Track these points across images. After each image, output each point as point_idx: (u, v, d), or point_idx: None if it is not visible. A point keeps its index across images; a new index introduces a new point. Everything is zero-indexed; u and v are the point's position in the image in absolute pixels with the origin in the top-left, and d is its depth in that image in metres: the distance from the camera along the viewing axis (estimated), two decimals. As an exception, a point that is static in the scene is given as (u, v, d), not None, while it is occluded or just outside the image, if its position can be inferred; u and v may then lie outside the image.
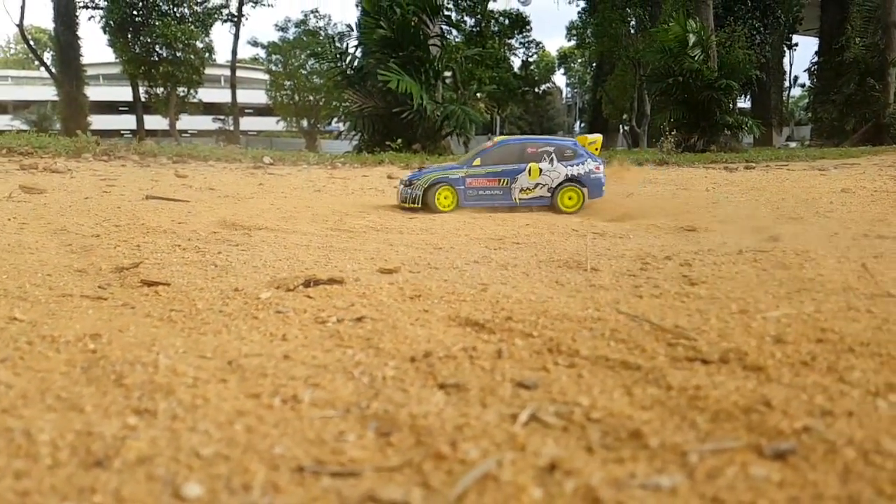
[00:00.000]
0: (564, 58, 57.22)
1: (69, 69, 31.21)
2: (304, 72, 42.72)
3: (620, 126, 45.91)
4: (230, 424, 1.54)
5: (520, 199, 8.21)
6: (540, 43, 51.22)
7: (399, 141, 20.99)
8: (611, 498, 1.18)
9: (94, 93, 36.73)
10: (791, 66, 47.26)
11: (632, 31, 38.65)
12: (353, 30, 26.99)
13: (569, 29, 48.61)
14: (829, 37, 31.22)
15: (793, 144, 36.62)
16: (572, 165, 8.27)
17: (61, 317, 2.56)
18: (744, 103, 33.19)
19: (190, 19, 34.37)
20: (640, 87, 37.23)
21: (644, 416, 1.57)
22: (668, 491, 1.22)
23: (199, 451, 1.39)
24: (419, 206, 7.98)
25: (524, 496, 1.20)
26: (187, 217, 6.04)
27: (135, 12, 32.69)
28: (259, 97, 48.08)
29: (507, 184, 8.19)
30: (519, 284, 3.28)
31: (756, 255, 3.78)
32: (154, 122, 39.76)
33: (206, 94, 39.71)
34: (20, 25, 33.06)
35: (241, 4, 37.58)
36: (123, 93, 41.10)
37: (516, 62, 47.78)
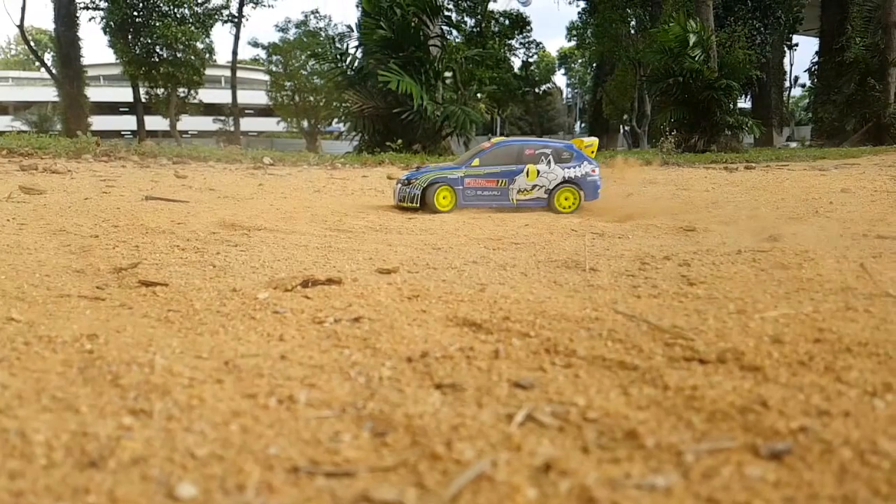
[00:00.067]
0: (565, 58, 57.29)
1: (70, 70, 31.24)
2: (304, 72, 42.72)
3: (621, 126, 45.92)
4: (225, 425, 1.53)
5: (517, 199, 8.28)
6: (540, 43, 51.29)
7: (399, 141, 21.01)
8: (605, 498, 1.18)
9: (95, 94, 36.74)
10: (791, 66, 47.19)
11: (632, 32, 38.66)
12: (353, 30, 26.99)
13: (569, 29, 48.71)
14: (829, 37, 31.21)
15: (793, 144, 36.62)
16: (569, 168, 8.37)
17: (59, 317, 2.55)
18: (744, 103, 33.19)
19: (190, 20, 34.38)
20: (640, 87, 37.23)
21: (640, 416, 1.57)
22: (662, 491, 1.21)
23: (193, 452, 1.39)
24: (418, 205, 7.99)
25: (518, 496, 1.20)
26: (186, 217, 6.04)
27: (135, 13, 32.72)
28: (259, 98, 48.12)
29: (505, 184, 8.25)
30: (517, 284, 3.27)
31: (755, 255, 3.78)
32: (155, 122, 39.80)
33: (207, 95, 39.74)
34: (21, 26, 33.10)
35: (241, 5, 37.61)
36: (124, 94, 41.15)
37: (517, 63, 47.88)
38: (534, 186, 8.28)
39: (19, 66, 59.22)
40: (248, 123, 49.71)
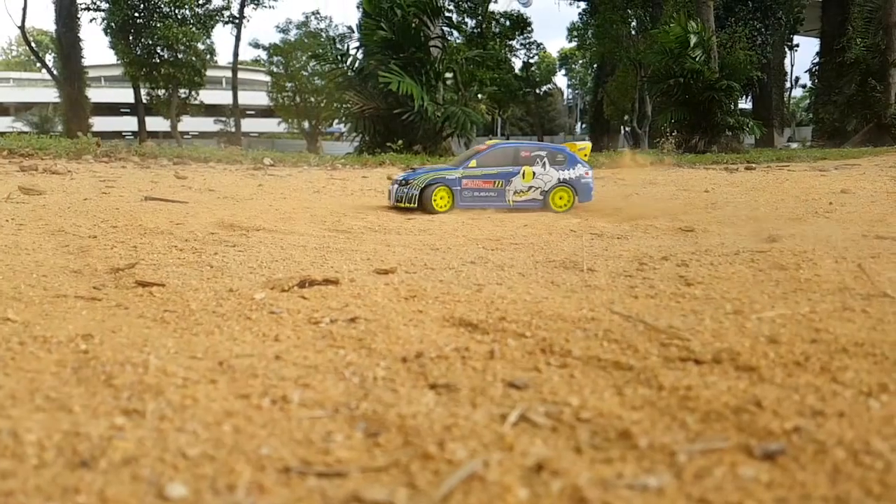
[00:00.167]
0: (565, 59, 57.24)
1: (71, 71, 31.25)
2: (305, 73, 42.72)
3: (622, 127, 45.90)
4: (218, 425, 1.53)
5: (513, 200, 8.40)
6: (541, 44, 51.38)
7: (400, 142, 21.00)
8: (597, 498, 1.18)
9: (96, 94, 36.74)
10: (792, 66, 47.21)
11: (633, 33, 38.64)
12: (353, 31, 26.96)
13: (570, 30, 48.70)
14: (830, 37, 31.17)
15: (794, 145, 36.58)
16: (564, 170, 8.54)
17: (54, 317, 2.55)
18: (745, 104, 33.17)
19: (191, 21, 34.40)
20: (641, 88, 37.18)
21: (634, 417, 1.56)
22: (654, 491, 1.21)
23: (185, 452, 1.38)
24: (415, 205, 8.00)
25: (510, 496, 1.19)
26: (185, 218, 6.04)
27: (136, 14, 32.74)
28: (260, 99, 48.15)
29: (501, 186, 8.34)
30: (514, 285, 3.27)
31: (753, 256, 3.77)
32: (155, 123, 39.81)
33: (208, 96, 39.74)
34: (22, 27, 33.12)
35: (242, 6, 37.63)
36: (125, 94, 41.16)
37: (517, 63, 47.87)
38: (530, 188, 8.43)
39: (20, 67, 59.28)
40: (249, 124, 49.72)
